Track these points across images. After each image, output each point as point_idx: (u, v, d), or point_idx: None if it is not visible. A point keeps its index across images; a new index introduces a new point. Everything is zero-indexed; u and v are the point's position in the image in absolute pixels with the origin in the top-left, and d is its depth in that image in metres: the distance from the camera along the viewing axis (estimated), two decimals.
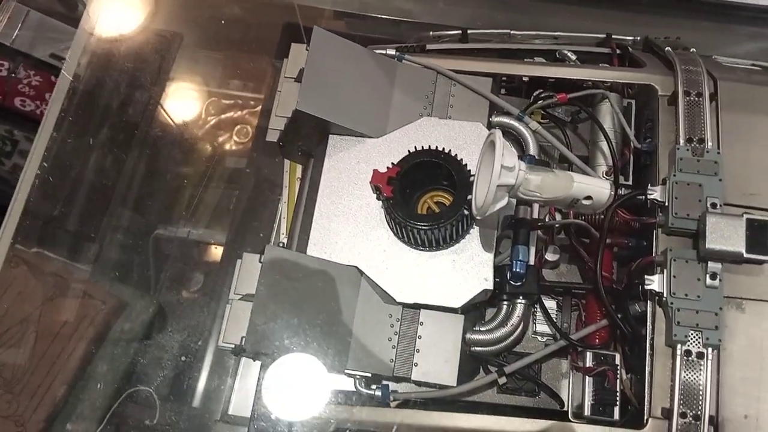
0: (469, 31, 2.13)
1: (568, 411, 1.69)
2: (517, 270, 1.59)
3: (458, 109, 1.83)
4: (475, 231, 1.65)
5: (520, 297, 1.66)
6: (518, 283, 1.61)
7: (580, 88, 1.90)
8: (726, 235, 1.51)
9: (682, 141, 1.68)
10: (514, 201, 1.68)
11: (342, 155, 1.77)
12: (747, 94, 1.78)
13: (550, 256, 1.75)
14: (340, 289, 1.64)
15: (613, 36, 2.10)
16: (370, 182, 1.54)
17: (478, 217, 1.40)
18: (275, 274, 1.62)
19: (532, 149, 1.78)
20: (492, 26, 2.18)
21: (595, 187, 1.35)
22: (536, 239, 1.71)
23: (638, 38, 2.08)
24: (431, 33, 2.16)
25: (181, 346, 2.10)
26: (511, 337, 1.68)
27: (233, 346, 1.63)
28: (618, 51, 2.04)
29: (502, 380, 1.64)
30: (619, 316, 1.62)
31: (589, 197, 1.35)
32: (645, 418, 1.54)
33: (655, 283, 1.58)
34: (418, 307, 1.63)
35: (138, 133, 2.42)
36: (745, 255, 1.49)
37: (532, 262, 1.68)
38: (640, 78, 1.82)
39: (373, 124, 1.78)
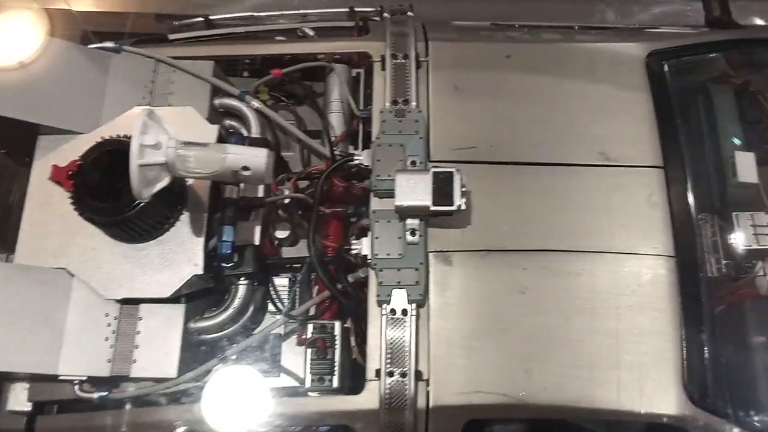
0: (211, 17, 2.12)
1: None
2: (224, 251, 1.56)
3: (179, 96, 1.79)
4: (185, 217, 1.61)
5: (242, 278, 1.64)
6: (230, 264, 1.59)
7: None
8: (414, 190, 1.52)
9: (387, 103, 1.69)
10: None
11: (52, 155, 1.70)
12: (459, 52, 1.81)
13: (279, 233, 1.73)
14: (48, 294, 1.57)
15: (355, 9, 2.12)
16: (50, 178, 1.49)
17: (139, 200, 1.36)
18: None
19: (254, 128, 1.76)
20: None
21: (248, 156, 1.33)
22: (262, 218, 1.70)
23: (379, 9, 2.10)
24: (174, 23, 2.13)
25: None
26: (242, 320, 1.66)
27: None
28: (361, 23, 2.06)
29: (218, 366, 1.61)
30: (341, 285, 1.62)
31: (246, 167, 1.33)
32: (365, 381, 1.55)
33: (363, 246, 1.58)
34: (129, 302, 1.58)
35: None
36: (432, 208, 1.50)
37: (257, 241, 1.67)
38: (355, 46, 1.82)
39: (83, 119, 1.72)
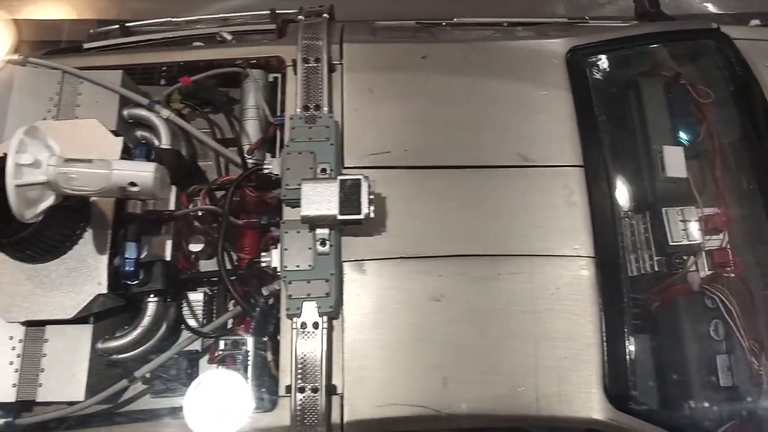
0: (127, 24, 2.05)
1: None
2: (127, 269, 1.51)
3: (87, 107, 1.72)
4: (88, 234, 1.55)
5: (152, 295, 1.59)
6: (135, 282, 1.54)
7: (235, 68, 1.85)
8: (320, 199, 1.47)
9: (298, 109, 1.64)
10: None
11: None
12: (374, 54, 1.76)
13: (194, 247, 1.68)
14: None
15: (277, 11, 2.07)
16: None
17: (23, 221, 1.31)
18: None
19: (164, 138, 1.71)
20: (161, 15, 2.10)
21: (134, 172, 1.27)
22: (173, 231, 1.65)
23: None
24: (90, 31, 2.06)
25: None
26: (155, 338, 1.61)
27: None
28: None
29: (139, 384, 1.57)
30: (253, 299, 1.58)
31: (133, 183, 1.28)
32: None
33: (272, 258, 1.54)
34: (34, 323, 1.53)
35: None
36: (339, 217, 1.45)
37: (168, 256, 1.62)
38: (268, 51, 1.77)
39: None
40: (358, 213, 1.46)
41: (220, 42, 1.96)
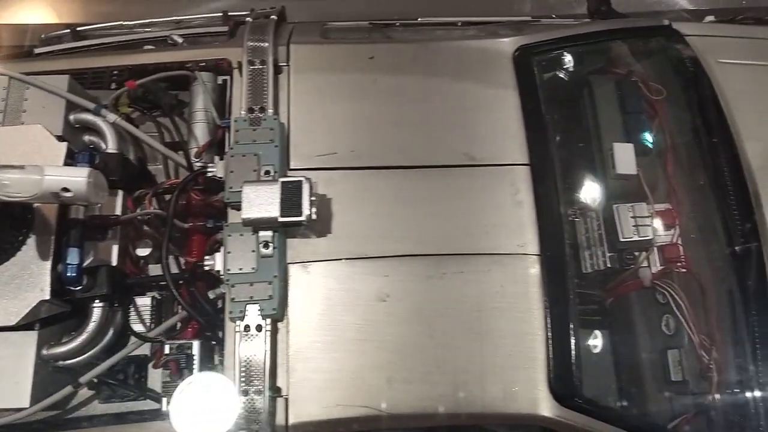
0: (79, 29, 2.04)
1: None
2: (70, 274, 1.49)
3: (33, 113, 1.71)
4: (31, 240, 1.54)
5: (97, 300, 1.58)
6: (79, 287, 1.53)
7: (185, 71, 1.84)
8: (261, 202, 1.47)
9: (243, 112, 1.64)
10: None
11: None
12: (321, 55, 1.77)
13: (142, 251, 1.68)
14: None
15: (230, 13, 2.06)
16: None
17: None
18: None
19: (111, 142, 1.70)
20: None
21: (67, 178, 1.27)
22: (120, 236, 1.65)
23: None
24: (42, 36, 2.05)
25: None
26: (101, 344, 1.60)
27: None
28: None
29: (85, 390, 1.56)
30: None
31: (66, 189, 1.27)
32: None
33: (216, 261, 1.53)
34: None
35: None
36: (280, 219, 1.45)
37: (114, 261, 1.61)
38: (216, 53, 1.77)
39: None
40: (299, 215, 1.46)
41: (171, 45, 1.95)
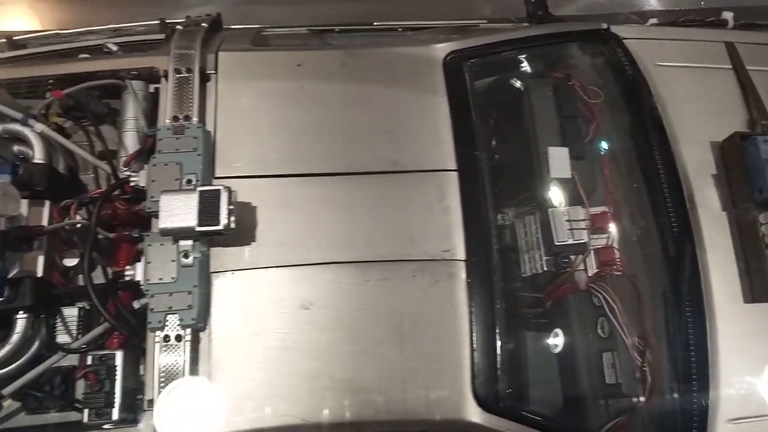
0: (15, 38, 2.03)
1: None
2: None
3: None
4: None
5: (21, 312, 1.57)
6: (1, 299, 1.51)
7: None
8: (179, 212, 1.46)
9: (167, 120, 1.63)
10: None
11: None
12: (249, 62, 1.76)
13: (68, 261, 1.67)
14: None
15: (167, 20, 2.06)
16: None
17: None
18: None
19: (38, 152, 1.69)
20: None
21: None
22: (46, 247, 1.64)
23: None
24: None
25: None
26: (26, 355, 1.58)
27: None
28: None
29: (10, 402, 1.55)
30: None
31: None
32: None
33: (136, 271, 1.53)
34: None
35: None
36: (197, 228, 1.44)
37: (40, 271, 1.60)
38: (144, 62, 1.76)
39: None
40: (217, 224, 1.46)
41: (106, 53, 1.95)
